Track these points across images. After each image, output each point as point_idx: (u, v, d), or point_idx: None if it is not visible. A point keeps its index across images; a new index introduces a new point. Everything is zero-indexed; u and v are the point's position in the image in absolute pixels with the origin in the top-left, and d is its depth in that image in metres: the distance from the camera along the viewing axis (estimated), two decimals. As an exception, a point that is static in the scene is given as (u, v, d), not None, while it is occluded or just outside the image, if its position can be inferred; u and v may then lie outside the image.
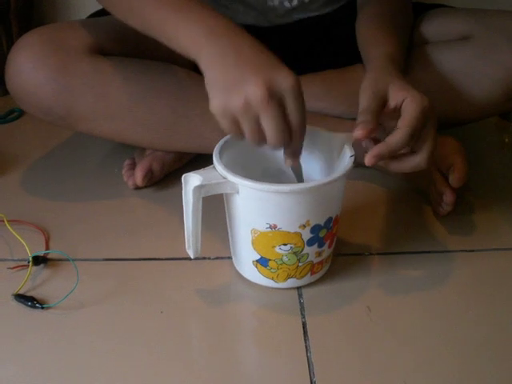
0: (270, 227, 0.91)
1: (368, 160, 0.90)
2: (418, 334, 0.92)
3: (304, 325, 0.94)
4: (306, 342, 0.90)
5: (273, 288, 0.99)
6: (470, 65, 1.18)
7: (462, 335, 0.92)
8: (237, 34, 0.89)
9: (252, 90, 0.82)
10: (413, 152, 0.93)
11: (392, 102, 0.93)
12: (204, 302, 0.98)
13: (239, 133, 0.86)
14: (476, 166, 1.34)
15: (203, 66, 0.87)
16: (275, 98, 0.82)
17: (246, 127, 0.85)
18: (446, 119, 1.25)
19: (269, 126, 0.84)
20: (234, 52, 0.86)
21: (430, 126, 0.93)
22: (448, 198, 1.14)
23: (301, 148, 0.90)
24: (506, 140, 1.58)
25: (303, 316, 0.95)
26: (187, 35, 0.90)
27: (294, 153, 0.91)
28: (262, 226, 0.91)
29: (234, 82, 0.84)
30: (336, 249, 1.04)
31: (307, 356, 0.88)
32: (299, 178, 0.97)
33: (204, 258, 1.06)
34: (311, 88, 1.30)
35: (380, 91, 0.94)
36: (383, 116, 0.95)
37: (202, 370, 0.87)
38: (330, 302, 0.99)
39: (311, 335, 0.92)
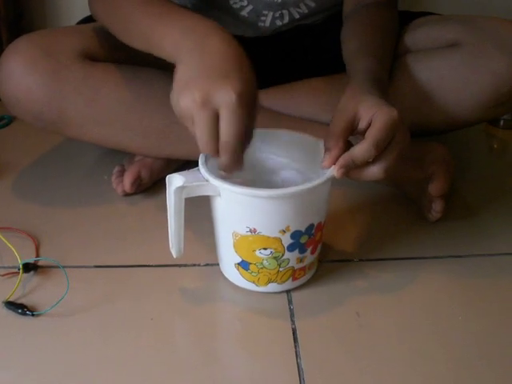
0: (250, 231, 0.92)
1: (336, 173, 0.90)
2: (408, 339, 0.93)
3: (294, 331, 0.94)
4: (296, 348, 0.91)
5: (255, 292, 1.00)
6: (458, 71, 1.18)
7: (451, 339, 0.93)
8: (210, 36, 0.90)
9: (191, 95, 0.84)
10: (372, 162, 0.92)
11: (364, 122, 0.93)
12: (194, 309, 0.98)
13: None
14: (465, 172, 1.35)
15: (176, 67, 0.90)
16: (208, 108, 0.83)
17: (188, 127, 0.87)
18: (435, 126, 1.26)
19: (196, 132, 0.85)
20: (199, 55, 0.88)
21: (396, 139, 0.92)
22: (437, 205, 1.15)
23: (232, 165, 0.88)
24: (495, 146, 1.59)
25: (293, 322, 0.95)
26: (167, 39, 0.93)
27: (224, 166, 0.88)
28: (243, 230, 0.92)
29: (187, 84, 0.86)
30: (325, 254, 1.04)
31: (297, 362, 0.88)
32: None
33: (194, 265, 1.07)
34: (299, 95, 1.31)
35: (348, 111, 0.94)
36: (357, 136, 0.95)
37: (191, 377, 0.87)
38: (320, 308, 0.99)
39: (301, 341, 0.92)
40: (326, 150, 0.92)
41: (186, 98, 0.84)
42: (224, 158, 0.86)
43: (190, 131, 0.87)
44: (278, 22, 1.32)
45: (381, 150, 0.91)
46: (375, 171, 0.93)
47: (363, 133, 0.93)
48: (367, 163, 0.92)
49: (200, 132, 0.85)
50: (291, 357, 0.89)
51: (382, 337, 0.93)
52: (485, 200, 1.28)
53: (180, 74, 0.88)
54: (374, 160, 0.92)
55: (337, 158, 0.91)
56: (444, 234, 1.16)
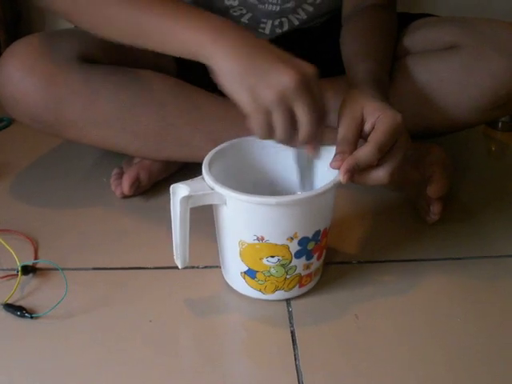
0: (258, 239, 0.91)
1: (342, 178, 0.89)
2: (406, 341, 0.93)
3: (292, 333, 0.94)
4: (294, 351, 0.90)
5: (259, 299, 0.99)
6: (457, 73, 1.18)
7: (450, 342, 0.93)
8: (242, 29, 0.90)
9: (283, 79, 0.83)
10: (377, 166, 0.92)
11: (368, 125, 0.93)
12: (193, 312, 0.98)
13: (270, 130, 0.87)
14: (463, 174, 1.36)
15: (216, 60, 0.87)
16: (307, 85, 0.84)
17: (279, 120, 0.86)
18: (434, 128, 1.26)
19: (305, 112, 0.85)
20: (247, 44, 0.88)
21: (400, 143, 0.93)
22: (435, 207, 1.15)
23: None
24: (493, 148, 1.59)
25: (291, 324, 0.95)
26: (191, 34, 0.90)
27: (319, 142, 0.93)
28: (250, 238, 0.91)
29: (258, 73, 0.84)
30: (324, 257, 1.04)
31: (296, 364, 0.88)
32: (307, 178, 0.99)
33: (193, 267, 1.06)
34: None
35: (356, 116, 0.94)
36: (361, 139, 0.95)
37: (190, 379, 0.87)
38: (319, 310, 0.99)
39: (300, 344, 0.92)
40: (339, 153, 0.91)
41: (272, 85, 0.84)
42: (322, 131, 0.91)
43: (268, 128, 0.87)
44: (278, 30, 1.32)
45: (383, 153, 0.91)
46: (381, 175, 0.92)
47: (367, 136, 0.93)
48: (372, 168, 0.92)
49: (309, 110, 0.86)
50: (290, 359, 0.89)
51: (380, 339, 0.93)
52: (483, 202, 1.28)
53: (234, 71, 0.86)
54: (379, 164, 0.92)
55: None
56: (443, 236, 1.16)
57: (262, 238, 0.91)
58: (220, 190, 0.89)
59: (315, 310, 0.99)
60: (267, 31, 1.32)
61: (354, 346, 0.92)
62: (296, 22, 1.32)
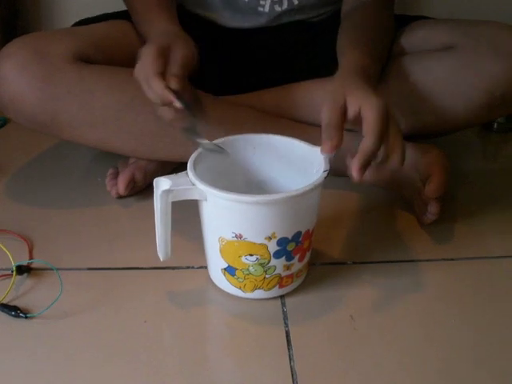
0: (236, 236, 0.91)
1: (355, 176, 0.90)
2: (402, 342, 0.93)
3: (287, 334, 0.94)
4: (289, 351, 0.90)
5: (242, 298, 0.99)
6: (453, 74, 1.18)
7: (444, 342, 0.93)
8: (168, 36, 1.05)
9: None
10: (389, 154, 0.93)
11: (350, 113, 0.94)
12: (189, 313, 0.98)
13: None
14: (459, 176, 1.35)
15: None
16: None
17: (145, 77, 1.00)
18: (430, 128, 1.26)
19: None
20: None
21: (392, 124, 0.93)
22: (433, 207, 1.14)
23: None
24: (489, 149, 1.59)
25: (286, 325, 0.95)
26: (148, 33, 1.12)
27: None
28: (229, 235, 0.91)
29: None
30: (319, 257, 1.04)
31: (290, 365, 0.88)
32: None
33: (188, 267, 1.07)
34: (295, 97, 1.31)
35: (339, 102, 0.95)
36: (347, 124, 0.96)
37: (185, 380, 0.87)
38: (314, 310, 0.99)
39: (294, 344, 0.92)
40: (326, 139, 0.92)
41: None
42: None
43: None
44: (277, 8, 1.32)
45: (383, 138, 0.91)
46: (395, 160, 0.93)
47: (351, 121, 0.94)
48: (386, 157, 0.93)
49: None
50: (284, 360, 0.89)
51: (375, 340, 0.93)
52: (478, 203, 1.28)
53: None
54: (388, 153, 0.93)
55: (337, 146, 0.91)
56: (437, 236, 1.16)
57: (240, 236, 0.91)
58: (200, 185, 0.89)
59: (310, 310, 0.99)
60: (267, 8, 1.32)
61: (349, 347, 0.92)
62: (295, 2, 1.32)
